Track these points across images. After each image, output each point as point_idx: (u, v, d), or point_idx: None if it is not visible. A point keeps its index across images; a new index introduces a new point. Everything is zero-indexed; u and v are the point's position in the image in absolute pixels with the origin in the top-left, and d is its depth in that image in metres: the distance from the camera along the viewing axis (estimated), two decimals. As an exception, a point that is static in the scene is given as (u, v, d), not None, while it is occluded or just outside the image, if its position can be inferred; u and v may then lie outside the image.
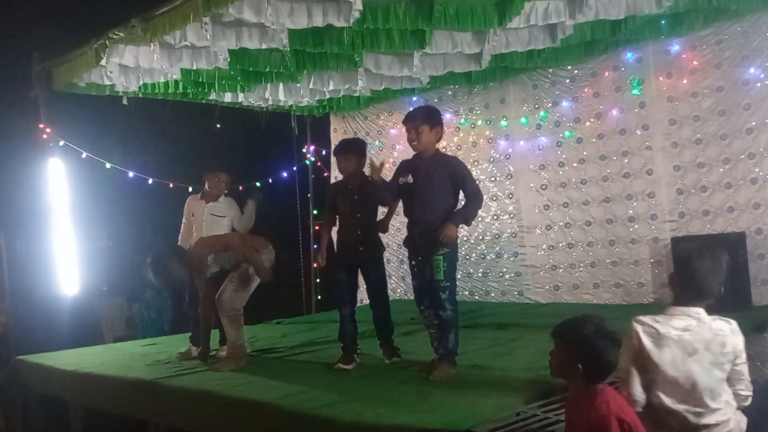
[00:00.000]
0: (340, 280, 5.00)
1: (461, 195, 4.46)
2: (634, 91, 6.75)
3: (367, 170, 5.00)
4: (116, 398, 5.07)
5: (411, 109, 7.47)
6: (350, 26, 5.41)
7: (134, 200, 9.39)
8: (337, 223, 5.15)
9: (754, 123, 5.99)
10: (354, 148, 5.04)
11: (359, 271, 5.03)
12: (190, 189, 7.34)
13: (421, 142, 4.45)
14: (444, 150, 8.23)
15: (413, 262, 4.55)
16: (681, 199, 6.46)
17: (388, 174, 5.11)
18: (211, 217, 5.83)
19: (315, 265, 8.47)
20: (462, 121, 8.22)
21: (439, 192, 4.39)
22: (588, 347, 2.59)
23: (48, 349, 6.50)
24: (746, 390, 3.03)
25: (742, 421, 3.01)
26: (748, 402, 3.04)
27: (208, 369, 4.98)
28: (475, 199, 4.40)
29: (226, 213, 5.84)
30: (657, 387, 2.95)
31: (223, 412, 4.16)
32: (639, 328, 2.95)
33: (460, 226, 4.48)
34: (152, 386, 4.73)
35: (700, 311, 2.99)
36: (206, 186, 5.88)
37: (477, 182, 4.58)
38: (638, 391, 2.96)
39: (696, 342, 2.92)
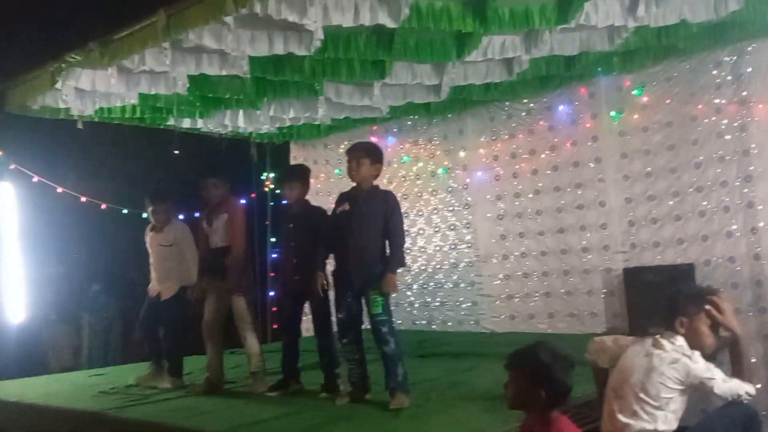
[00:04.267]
0: (282, 309, 5.03)
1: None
2: (588, 124, 6.92)
3: (310, 197, 5.06)
4: (60, 431, 4.89)
5: (372, 139, 7.60)
6: (311, 55, 5.44)
7: (87, 226, 9.17)
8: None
9: (701, 157, 6.18)
10: (297, 175, 5.10)
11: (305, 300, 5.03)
12: (144, 215, 7.23)
13: (361, 174, 4.54)
14: (403, 179, 8.37)
15: (342, 295, 4.51)
16: (632, 230, 6.60)
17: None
18: (159, 248, 5.79)
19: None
20: (403, 158, 8.30)
21: (372, 223, 4.43)
22: (547, 372, 2.63)
23: (-9, 378, 6.26)
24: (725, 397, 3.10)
25: None
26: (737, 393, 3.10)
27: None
28: (399, 235, 4.46)
29: (173, 241, 5.78)
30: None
31: (174, 444, 4.06)
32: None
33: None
34: (99, 418, 4.59)
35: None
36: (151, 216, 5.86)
37: (403, 222, 4.64)
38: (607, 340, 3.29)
39: (656, 354, 3.05)
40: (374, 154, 4.61)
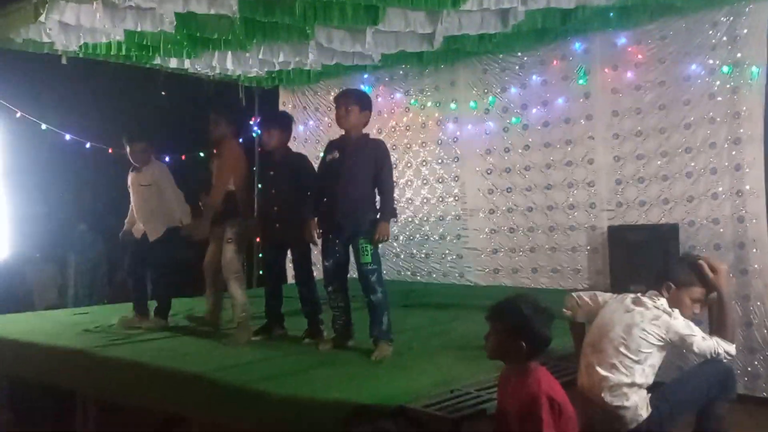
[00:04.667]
0: (264, 257, 5.05)
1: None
2: (581, 81, 6.86)
3: (292, 146, 5.00)
4: (44, 367, 4.93)
5: (363, 87, 7.50)
6: (303, -4, 5.31)
7: (72, 164, 9.07)
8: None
9: (692, 118, 6.16)
10: (277, 122, 5.06)
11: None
12: (110, 150, 7.17)
13: (349, 121, 4.48)
14: (393, 129, 8.31)
15: (330, 243, 4.50)
16: (619, 189, 6.62)
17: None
18: (140, 188, 5.74)
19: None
20: (412, 101, 8.22)
21: (362, 172, 4.40)
22: (526, 324, 2.67)
23: (-26, 315, 6.27)
24: (703, 355, 3.16)
25: (642, 408, 3.12)
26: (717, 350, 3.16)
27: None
28: (389, 185, 4.45)
29: (152, 181, 5.73)
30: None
31: (157, 384, 4.10)
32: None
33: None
34: (82, 355, 4.62)
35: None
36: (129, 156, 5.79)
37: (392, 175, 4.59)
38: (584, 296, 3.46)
39: (637, 311, 3.10)
40: (363, 101, 4.55)
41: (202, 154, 5.54)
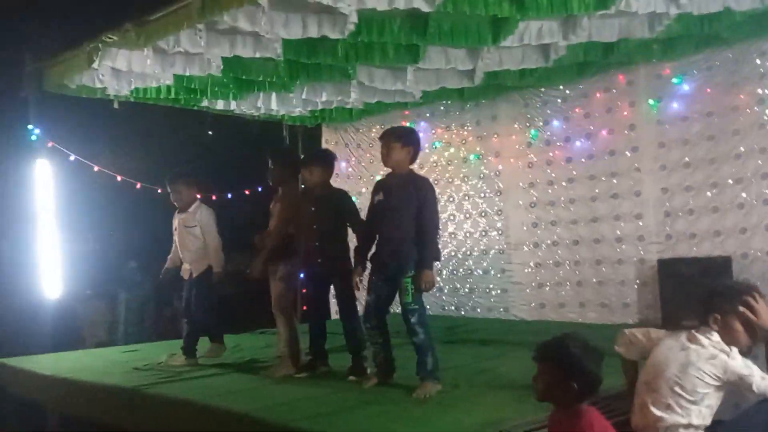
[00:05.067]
0: (307, 292, 5.05)
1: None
2: (625, 113, 6.79)
3: (335, 182, 5.03)
4: (93, 405, 5.01)
5: (404, 123, 7.57)
6: (345, 38, 5.42)
7: (122, 204, 9.32)
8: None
9: (742, 149, 6.04)
10: (315, 159, 5.09)
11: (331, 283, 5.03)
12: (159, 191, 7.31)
13: (391, 158, 4.44)
14: (435, 164, 8.33)
15: (374, 278, 4.49)
16: (668, 221, 6.49)
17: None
18: (184, 229, 5.84)
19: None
20: (435, 143, 8.28)
21: (405, 210, 4.31)
22: (577, 364, 2.60)
23: (29, 352, 6.42)
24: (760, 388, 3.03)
25: None
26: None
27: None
28: (431, 227, 4.31)
29: (197, 222, 5.83)
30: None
31: (204, 422, 4.11)
32: None
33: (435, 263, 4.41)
34: (130, 394, 4.68)
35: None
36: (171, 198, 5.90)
37: (438, 213, 4.52)
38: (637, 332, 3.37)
39: (693, 349, 3.01)
40: (405, 137, 4.50)
41: (260, 189, 5.61)
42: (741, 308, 3.11)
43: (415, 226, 4.30)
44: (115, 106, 7.14)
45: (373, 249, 4.54)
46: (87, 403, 5.08)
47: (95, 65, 5.98)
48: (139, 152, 9.64)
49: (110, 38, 5.68)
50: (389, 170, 4.57)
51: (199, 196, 6.03)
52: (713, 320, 3.18)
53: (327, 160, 5.17)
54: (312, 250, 4.94)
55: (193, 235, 5.81)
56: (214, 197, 8.02)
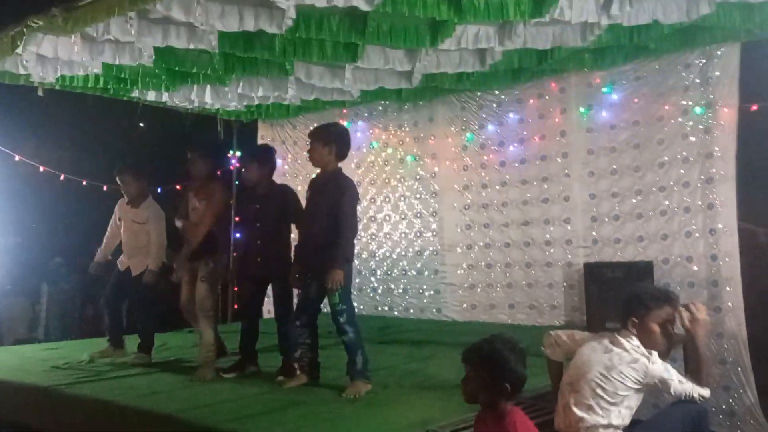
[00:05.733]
0: (242, 292, 4.98)
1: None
2: (556, 119, 6.96)
3: (276, 179, 4.98)
4: (10, 405, 4.79)
5: (342, 122, 7.54)
6: (282, 33, 5.34)
7: (46, 197, 8.96)
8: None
9: (666, 158, 6.26)
10: (257, 156, 5.03)
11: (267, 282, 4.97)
12: (105, 188, 7.08)
13: (314, 158, 4.52)
14: (370, 164, 8.32)
15: (299, 276, 4.51)
16: (595, 226, 6.67)
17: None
18: (133, 224, 5.69)
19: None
20: (372, 143, 8.29)
21: (327, 210, 4.34)
22: (504, 365, 2.64)
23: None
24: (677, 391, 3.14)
25: None
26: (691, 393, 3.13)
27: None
28: (346, 227, 4.28)
29: (146, 220, 5.69)
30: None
31: (124, 423, 3.99)
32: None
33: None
34: (49, 393, 4.50)
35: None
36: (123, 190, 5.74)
37: (355, 214, 4.50)
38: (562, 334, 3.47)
39: (615, 352, 3.09)
40: (325, 136, 4.50)
41: (178, 187, 5.49)
42: (657, 313, 3.23)
43: (336, 226, 4.28)
44: (40, 93, 6.84)
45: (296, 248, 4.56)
46: (3, 402, 4.84)
47: (19, 50, 5.70)
48: (65, 142, 9.29)
49: (35, 23, 5.41)
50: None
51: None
52: (632, 324, 3.29)
53: (267, 156, 5.10)
54: (253, 249, 4.85)
55: (141, 231, 5.68)
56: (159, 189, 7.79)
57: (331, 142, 4.49)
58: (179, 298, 5.27)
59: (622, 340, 3.23)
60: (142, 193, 5.78)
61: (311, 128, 4.72)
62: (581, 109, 6.79)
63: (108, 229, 5.90)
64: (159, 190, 8.71)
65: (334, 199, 4.33)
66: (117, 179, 5.75)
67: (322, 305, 4.57)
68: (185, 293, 5.17)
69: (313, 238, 4.39)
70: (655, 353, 3.18)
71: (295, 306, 4.71)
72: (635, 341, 3.22)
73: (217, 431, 3.48)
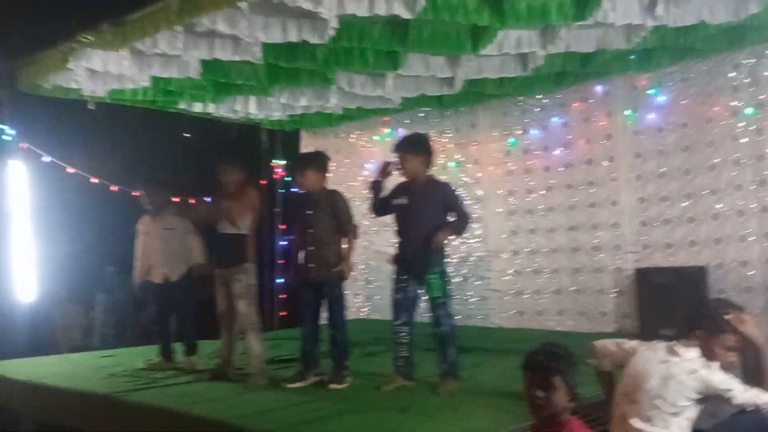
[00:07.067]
0: (300, 297, 5.01)
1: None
2: (602, 124, 6.86)
3: (327, 184, 5.04)
4: (69, 411, 4.92)
5: (383, 129, 7.59)
6: (325, 43, 5.40)
7: (97, 207, 9.18)
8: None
9: (717, 160, 6.13)
10: (310, 162, 5.04)
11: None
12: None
13: (408, 170, 4.66)
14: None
15: (400, 278, 4.68)
16: (644, 230, 6.56)
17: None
18: (163, 231, 5.79)
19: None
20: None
21: (431, 214, 4.59)
22: (565, 370, 2.59)
23: (2, 357, 6.29)
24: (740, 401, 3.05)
25: None
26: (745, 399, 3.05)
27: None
28: (464, 218, 4.69)
29: (176, 224, 5.80)
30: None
31: (180, 430, 4.06)
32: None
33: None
34: (107, 400, 4.60)
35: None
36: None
37: (465, 205, 4.88)
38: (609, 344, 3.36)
39: (673, 362, 3.03)
40: (416, 147, 4.69)
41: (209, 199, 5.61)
42: (727, 337, 3.14)
43: (437, 225, 4.54)
44: (91, 107, 7.04)
45: (397, 250, 4.76)
46: (62, 409, 4.98)
47: (70, 65, 5.90)
48: (115, 153, 9.50)
49: (86, 38, 5.60)
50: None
51: (176, 199, 6.00)
52: (695, 336, 3.20)
53: (323, 161, 5.12)
54: (307, 255, 4.88)
55: (173, 237, 5.77)
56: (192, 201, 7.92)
57: (422, 153, 4.64)
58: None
59: (680, 350, 3.15)
60: (167, 201, 5.90)
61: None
62: (627, 112, 6.70)
63: (137, 250, 5.98)
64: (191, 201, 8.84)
65: (439, 201, 4.62)
66: (141, 191, 5.85)
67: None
68: (221, 301, 5.21)
69: (414, 240, 4.58)
70: (715, 364, 3.09)
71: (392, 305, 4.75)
72: (695, 352, 3.14)
73: (270, 439, 3.52)
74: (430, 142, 4.82)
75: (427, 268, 4.53)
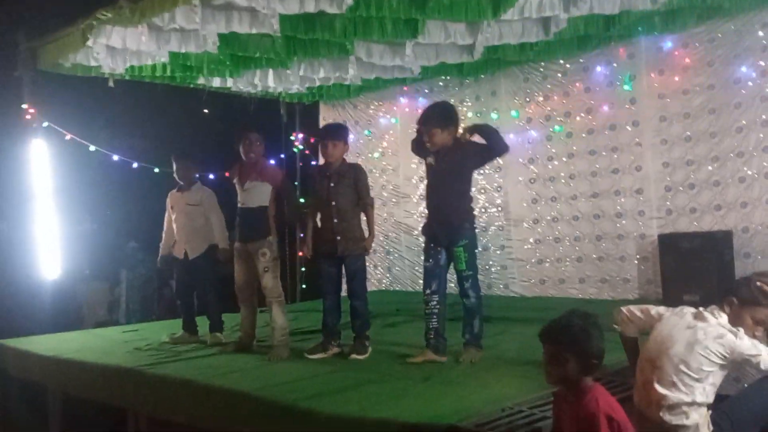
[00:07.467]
0: (321, 270, 5.02)
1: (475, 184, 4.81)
2: (626, 87, 6.72)
3: (347, 157, 5.02)
4: (95, 385, 5.02)
5: (402, 99, 7.51)
6: (342, 13, 5.33)
7: (119, 184, 9.26)
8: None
9: (744, 122, 5.99)
10: (342, 134, 5.04)
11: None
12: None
13: (435, 143, 4.57)
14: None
15: (429, 246, 4.67)
16: (669, 196, 6.46)
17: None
18: (187, 207, 5.82)
19: (301, 254, 8.41)
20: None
21: (456, 180, 4.55)
22: (584, 341, 2.58)
23: (28, 333, 6.43)
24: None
25: (702, 427, 2.99)
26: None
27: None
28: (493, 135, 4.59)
29: (199, 201, 5.82)
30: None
31: (204, 401, 4.12)
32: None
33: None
34: (132, 374, 4.68)
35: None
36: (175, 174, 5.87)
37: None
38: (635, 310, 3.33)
39: (699, 327, 2.99)
40: (444, 120, 4.55)
41: (227, 174, 5.59)
42: (761, 311, 3.10)
43: (464, 193, 4.56)
44: (111, 84, 7.07)
45: (426, 219, 4.76)
46: (89, 383, 5.07)
47: (89, 43, 5.90)
48: (135, 130, 9.54)
49: (104, 15, 5.59)
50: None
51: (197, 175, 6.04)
52: (728, 303, 3.15)
53: (346, 134, 5.15)
54: (329, 227, 4.88)
55: (195, 213, 5.80)
56: (212, 176, 7.97)
57: (449, 124, 4.56)
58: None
59: (708, 315, 3.10)
60: (191, 178, 5.91)
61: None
62: (652, 75, 6.55)
63: (165, 223, 6.03)
64: (212, 176, 8.89)
65: (464, 160, 4.55)
66: (174, 164, 5.88)
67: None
68: (241, 276, 5.24)
69: (440, 210, 4.57)
70: (741, 330, 3.05)
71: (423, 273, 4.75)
72: (723, 318, 3.10)
73: (294, 408, 3.55)
74: (455, 111, 4.71)
75: (453, 239, 4.52)
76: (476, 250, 4.70)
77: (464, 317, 4.62)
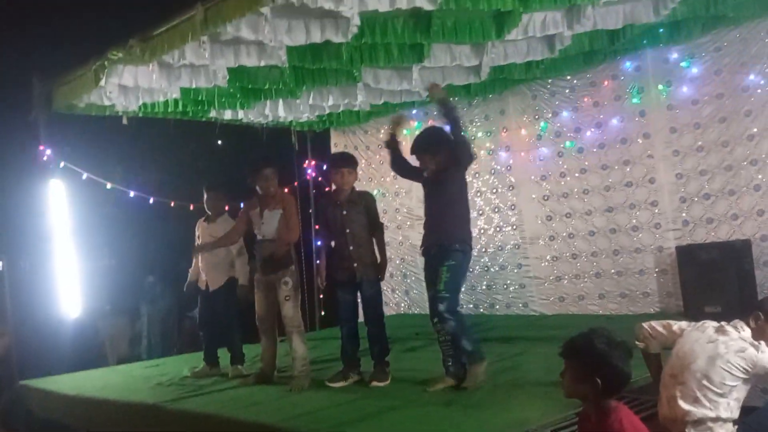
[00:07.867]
0: (337, 298, 5.00)
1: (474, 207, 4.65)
2: (634, 100, 6.73)
3: (357, 185, 5.06)
4: (119, 423, 5.02)
5: (412, 123, 7.52)
6: (348, 41, 5.40)
7: (136, 219, 9.37)
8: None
9: (755, 129, 5.96)
10: (355, 162, 5.07)
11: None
12: (191, 207, 7.33)
13: (430, 169, 4.58)
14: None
15: (425, 272, 4.60)
16: (684, 207, 6.42)
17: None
18: (210, 239, 5.84)
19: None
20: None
21: (447, 203, 4.48)
22: (604, 361, 2.55)
23: (52, 371, 6.47)
24: None
25: None
26: None
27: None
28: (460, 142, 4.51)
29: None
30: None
31: (229, 435, 4.11)
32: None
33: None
34: (155, 410, 4.68)
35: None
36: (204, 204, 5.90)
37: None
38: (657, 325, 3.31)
39: (721, 341, 2.95)
40: (433, 147, 4.55)
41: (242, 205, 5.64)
42: None
43: (454, 217, 4.47)
44: (124, 122, 7.18)
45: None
46: (112, 421, 5.08)
47: (102, 83, 6.01)
48: (150, 166, 9.69)
49: (115, 55, 5.70)
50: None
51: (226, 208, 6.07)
52: (754, 317, 3.12)
53: (356, 162, 5.16)
54: (344, 255, 4.89)
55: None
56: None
57: (439, 152, 4.53)
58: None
59: (730, 329, 3.07)
60: (221, 209, 5.94)
61: (414, 144, 4.68)
62: (660, 87, 6.55)
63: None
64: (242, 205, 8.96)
65: (445, 182, 4.50)
66: (205, 195, 5.91)
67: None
68: (262, 307, 5.24)
69: (432, 229, 4.53)
70: (764, 343, 3.01)
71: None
72: (746, 332, 3.06)
73: (317, 439, 3.54)
74: (445, 136, 4.63)
75: (441, 259, 4.37)
76: (462, 277, 4.51)
77: (451, 344, 4.35)
